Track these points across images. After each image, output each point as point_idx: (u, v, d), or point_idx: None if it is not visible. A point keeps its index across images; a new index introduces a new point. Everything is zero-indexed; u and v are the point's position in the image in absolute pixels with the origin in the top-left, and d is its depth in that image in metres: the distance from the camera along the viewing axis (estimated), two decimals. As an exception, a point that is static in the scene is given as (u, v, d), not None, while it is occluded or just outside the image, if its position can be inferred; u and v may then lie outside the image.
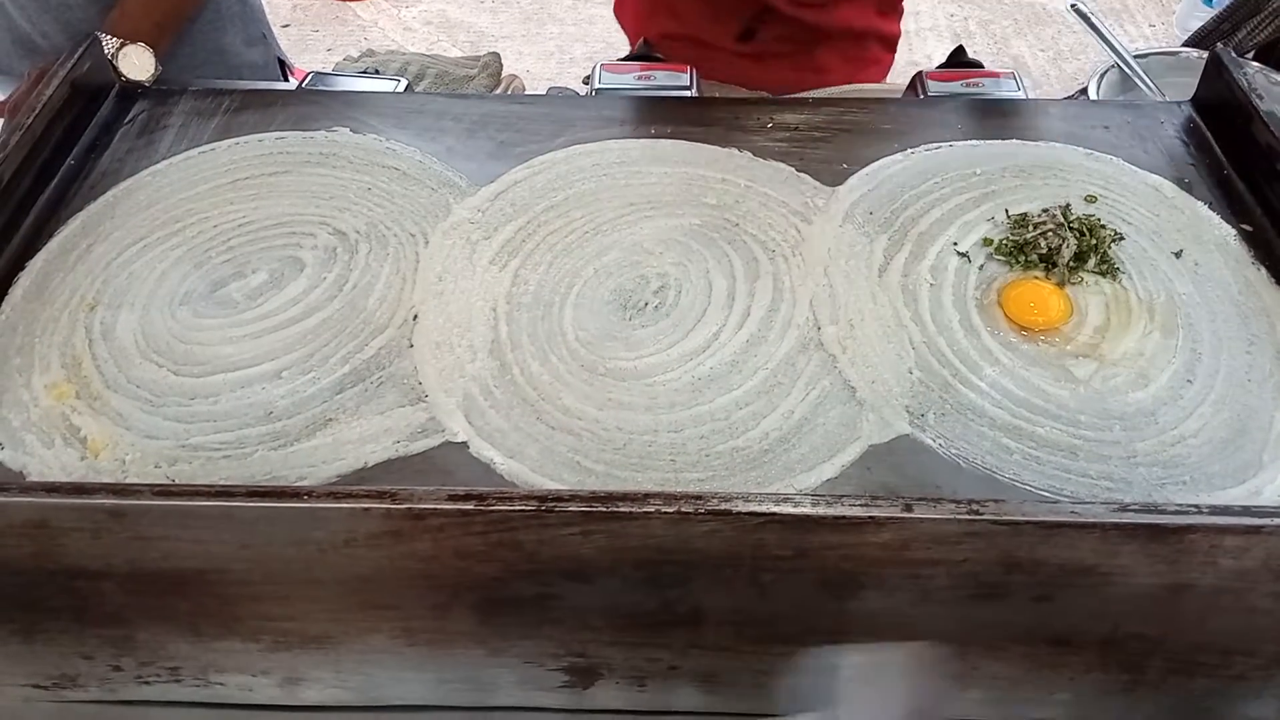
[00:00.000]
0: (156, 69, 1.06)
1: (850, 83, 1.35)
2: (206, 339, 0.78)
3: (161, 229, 0.87)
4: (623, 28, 1.49)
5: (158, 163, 0.94)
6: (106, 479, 0.69)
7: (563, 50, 3.35)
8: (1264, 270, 0.84)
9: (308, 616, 0.63)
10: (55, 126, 0.92)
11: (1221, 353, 0.77)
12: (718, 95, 1.20)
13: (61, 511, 0.58)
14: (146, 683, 0.68)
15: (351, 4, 3.50)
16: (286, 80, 1.52)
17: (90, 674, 0.68)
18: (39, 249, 0.86)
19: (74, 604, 0.63)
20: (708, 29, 1.32)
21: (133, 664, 0.67)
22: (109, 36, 1.06)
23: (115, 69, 1.03)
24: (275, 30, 1.52)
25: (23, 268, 0.84)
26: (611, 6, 1.52)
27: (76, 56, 0.96)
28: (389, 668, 0.67)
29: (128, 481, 0.69)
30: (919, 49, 3.24)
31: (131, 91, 1.02)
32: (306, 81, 1.08)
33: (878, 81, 1.41)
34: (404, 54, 1.33)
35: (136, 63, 1.04)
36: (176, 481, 0.69)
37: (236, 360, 0.76)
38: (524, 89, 1.40)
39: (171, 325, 0.79)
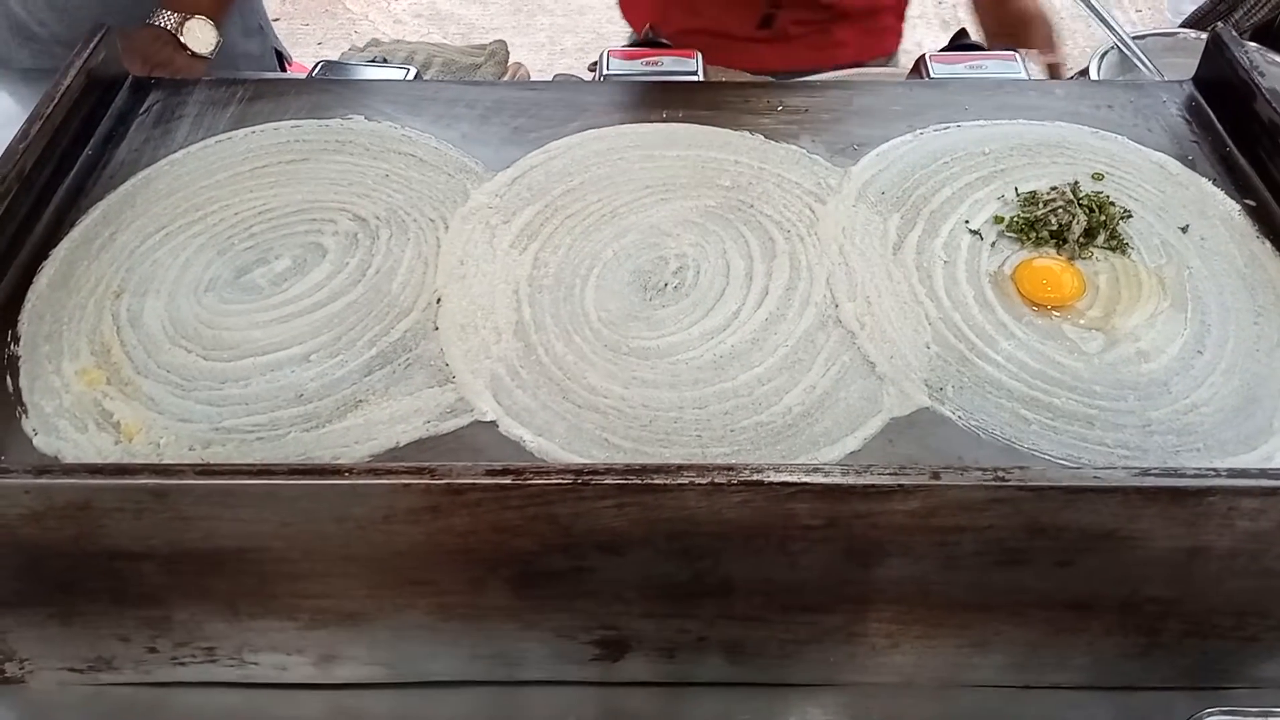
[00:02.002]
0: (218, 41, 1.06)
1: (867, 54, 1.39)
2: (234, 324, 0.79)
3: (183, 217, 0.88)
4: (630, 23, 1.50)
5: (175, 152, 0.95)
6: (143, 462, 0.70)
7: (554, 41, 3.35)
8: (1269, 244, 0.86)
9: (345, 594, 0.64)
10: (73, 117, 0.93)
11: (1230, 323, 0.79)
12: (725, 80, 1.21)
13: (105, 492, 0.58)
14: (182, 664, 0.69)
15: (341, -4, 3.49)
16: (284, 71, 1.53)
17: (126, 656, 0.68)
18: (61, 238, 0.86)
19: (113, 586, 0.64)
20: (727, 20, 1.34)
21: (169, 645, 0.67)
22: (169, 12, 1.07)
23: (178, 43, 1.02)
24: (268, 23, 1.53)
25: (46, 256, 0.84)
26: (602, -2, 1.53)
27: (91, 47, 0.96)
28: (423, 644, 0.68)
29: (168, 462, 0.69)
30: (909, 36, 3.23)
31: (145, 82, 1.02)
32: (317, 71, 1.09)
33: (892, 50, 1.45)
34: (409, 44, 1.33)
35: (200, 36, 1.06)
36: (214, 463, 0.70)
37: (265, 344, 0.77)
38: (529, 77, 1.40)
39: (198, 311, 0.80)
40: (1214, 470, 0.59)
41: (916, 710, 0.70)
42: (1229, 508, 0.58)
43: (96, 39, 0.97)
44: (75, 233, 0.86)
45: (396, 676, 0.70)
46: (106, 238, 0.86)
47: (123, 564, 0.62)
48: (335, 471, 0.59)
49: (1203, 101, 1.01)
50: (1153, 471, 0.59)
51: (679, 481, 0.58)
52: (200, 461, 0.70)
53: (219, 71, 1.25)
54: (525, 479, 0.58)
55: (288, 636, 0.67)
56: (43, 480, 0.58)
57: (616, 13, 1.56)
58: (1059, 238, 0.85)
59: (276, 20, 3.37)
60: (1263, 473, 0.59)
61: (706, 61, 1.12)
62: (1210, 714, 0.66)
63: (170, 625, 0.66)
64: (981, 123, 0.98)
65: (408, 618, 0.66)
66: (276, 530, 0.60)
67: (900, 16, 1.45)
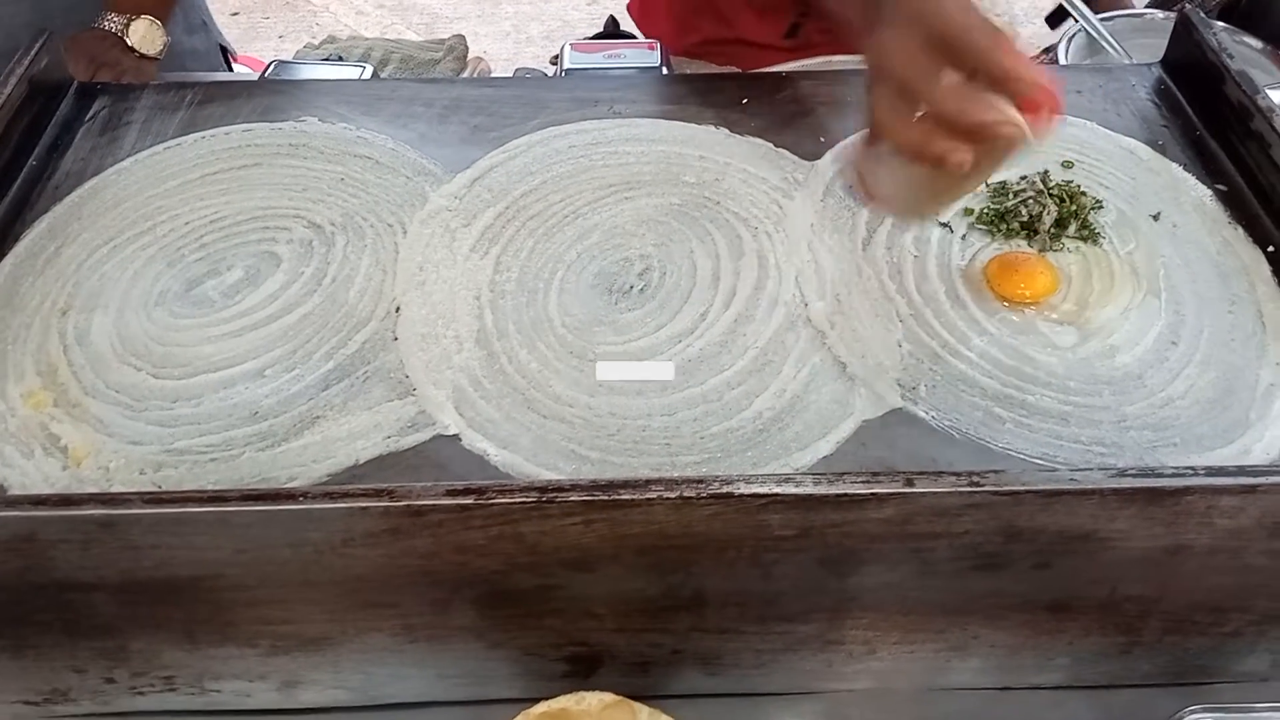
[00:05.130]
0: (166, 42, 1.05)
1: None
2: (185, 340, 0.76)
3: (131, 228, 0.85)
4: (646, 35, 1.47)
5: (122, 160, 0.92)
6: (91, 488, 0.68)
7: (519, 30, 3.32)
8: (1241, 229, 0.85)
9: (306, 619, 0.62)
10: (14, 127, 0.90)
11: (1204, 314, 0.78)
12: (689, 72, 1.19)
13: (50, 524, 0.56)
14: (141, 693, 0.67)
15: (302, -12, 3.44)
16: (229, 67, 1.51)
17: (82, 688, 0.66)
18: (5, 253, 0.83)
19: (65, 617, 0.61)
20: (756, 30, 1.33)
21: (126, 675, 0.65)
22: (114, 14, 1.05)
23: (126, 44, 1.04)
24: (224, 18, 1.50)
25: (-11, 274, 0.82)
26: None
27: (34, 53, 0.93)
28: (388, 666, 0.66)
29: (115, 490, 0.67)
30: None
31: (91, 88, 1.00)
32: (269, 71, 1.06)
33: None
34: (366, 39, 1.31)
35: (146, 36, 1.05)
36: (163, 487, 0.68)
37: (217, 360, 0.75)
38: (490, 71, 1.38)
39: (148, 327, 0.77)
40: (1191, 469, 0.58)
41: (895, 715, 0.69)
42: (1207, 506, 0.58)
43: (38, 45, 0.94)
44: (19, 247, 0.84)
45: (363, 699, 0.68)
46: (52, 252, 0.83)
47: (73, 595, 0.60)
48: (289, 496, 0.57)
49: (1172, 85, 1.00)
50: (1130, 472, 0.58)
51: (647, 496, 0.56)
52: (152, 485, 0.68)
53: (165, 71, 1.23)
54: (488, 498, 0.56)
55: (249, 663, 0.65)
56: (-16, 513, 0.56)
57: (582, 0, 1.53)
58: (1030, 229, 0.84)
59: (235, 14, 3.34)
60: (1240, 470, 0.58)
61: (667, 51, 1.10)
62: (1193, 711, 0.65)
63: (127, 655, 0.64)
64: (949, 111, 0.97)
65: (372, 641, 0.64)
66: (231, 557, 0.58)
67: None
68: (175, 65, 1.34)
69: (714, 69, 1.27)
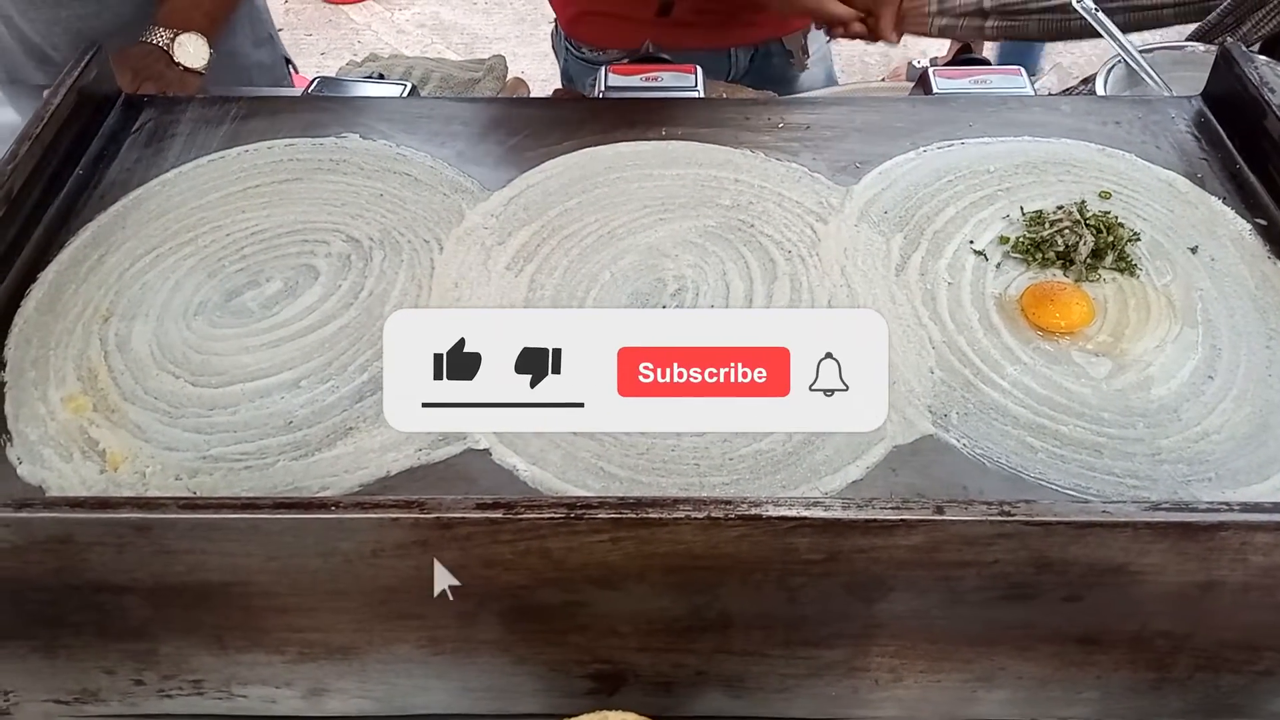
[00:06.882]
0: (211, 56, 1.08)
1: (784, 30, 1.37)
2: (223, 349, 0.78)
3: (174, 238, 0.87)
4: (550, 3, 1.50)
5: (167, 171, 0.94)
6: (127, 492, 0.69)
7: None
8: (1280, 264, 0.84)
9: (333, 627, 0.63)
10: (63, 136, 0.92)
11: (1241, 348, 0.77)
12: (725, 96, 1.20)
13: (86, 526, 0.57)
14: (169, 696, 0.67)
15: (344, 7, 3.49)
16: (292, 81, 1.54)
17: (112, 689, 0.67)
18: (50, 260, 0.85)
19: (97, 619, 0.62)
20: (628, 5, 1.34)
21: (155, 678, 0.66)
22: (162, 29, 1.08)
23: (171, 58, 1.08)
24: (274, 32, 1.53)
25: (35, 279, 0.83)
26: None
27: (82, 65, 0.95)
28: (414, 677, 0.66)
29: (150, 494, 0.68)
30: (913, 45, 3.24)
31: (137, 100, 1.02)
32: (313, 87, 1.08)
33: (802, 28, 1.40)
34: (407, 58, 1.32)
35: (192, 51, 1.08)
36: (198, 493, 0.68)
37: (254, 370, 0.76)
38: (529, 91, 1.40)
39: (187, 335, 0.79)
40: (1226, 504, 0.57)
41: (920, 745, 0.68)
42: (1242, 542, 0.57)
43: (88, 57, 0.96)
44: (64, 255, 0.85)
45: (387, 709, 0.68)
46: (95, 260, 0.85)
47: (106, 597, 0.61)
48: (321, 505, 0.57)
49: (1212, 117, 0.99)
50: (1163, 505, 0.57)
51: (675, 515, 0.56)
52: (187, 491, 0.69)
53: (232, 82, 1.26)
54: (517, 513, 0.57)
55: (276, 670, 0.65)
56: (23, 514, 0.57)
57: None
58: (1066, 259, 0.84)
59: (280, 30, 3.38)
60: (1276, 506, 0.57)
61: (606, 44, 1.13)
62: (1224, 751, 0.64)
63: (156, 658, 0.65)
64: (986, 140, 0.97)
65: (398, 651, 0.64)
66: (262, 564, 0.59)
67: None
68: (243, 78, 1.37)
69: (749, 94, 1.27)
